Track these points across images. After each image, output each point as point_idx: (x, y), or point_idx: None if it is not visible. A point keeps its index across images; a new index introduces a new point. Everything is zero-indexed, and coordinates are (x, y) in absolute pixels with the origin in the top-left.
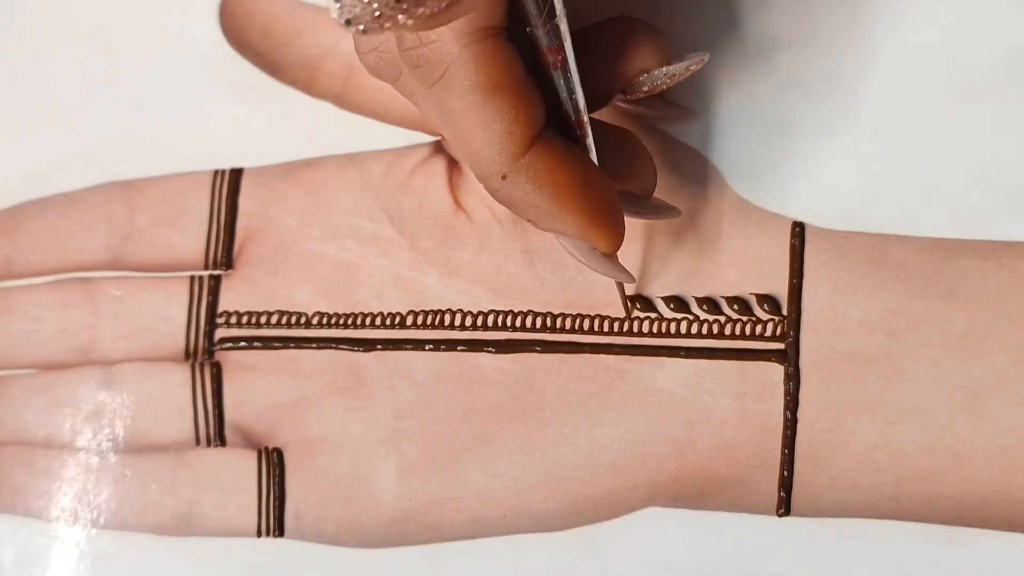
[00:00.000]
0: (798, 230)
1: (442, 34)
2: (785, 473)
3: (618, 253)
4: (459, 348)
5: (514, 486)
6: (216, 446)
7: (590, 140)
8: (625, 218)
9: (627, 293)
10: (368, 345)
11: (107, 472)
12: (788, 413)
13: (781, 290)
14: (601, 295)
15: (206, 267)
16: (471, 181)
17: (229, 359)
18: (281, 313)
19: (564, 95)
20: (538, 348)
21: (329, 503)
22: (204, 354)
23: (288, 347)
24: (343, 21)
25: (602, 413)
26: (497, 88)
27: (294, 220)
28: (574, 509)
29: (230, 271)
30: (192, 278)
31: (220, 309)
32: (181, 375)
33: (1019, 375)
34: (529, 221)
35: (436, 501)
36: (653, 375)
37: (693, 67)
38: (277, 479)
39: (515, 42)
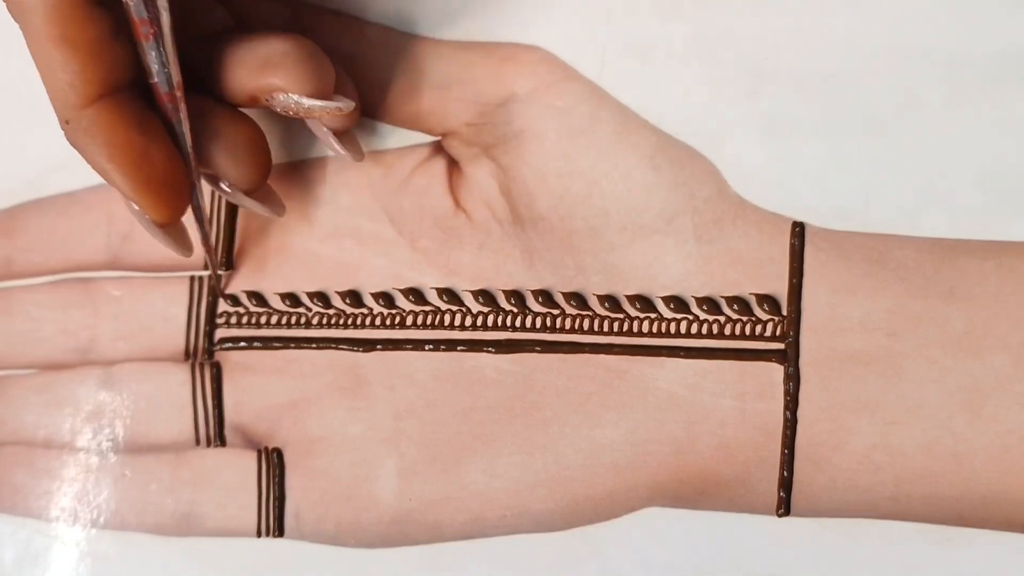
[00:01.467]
0: (798, 230)
1: None
2: (785, 473)
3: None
4: (459, 348)
5: (514, 486)
6: (216, 446)
7: (182, 116)
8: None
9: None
10: (368, 345)
11: (107, 472)
12: (788, 413)
13: (781, 290)
14: (600, 296)
15: (206, 267)
16: (471, 181)
17: (229, 359)
18: (281, 313)
19: (156, 67)
20: (538, 348)
21: (329, 503)
22: (204, 354)
23: (288, 347)
24: None
25: (602, 413)
26: (65, 41)
27: (294, 220)
28: (574, 509)
29: (230, 271)
30: (192, 278)
31: (220, 309)
32: (181, 375)
33: (1019, 375)
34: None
35: (436, 501)
36: (653, 375)
37: (330, 110)
38: (277, 479)
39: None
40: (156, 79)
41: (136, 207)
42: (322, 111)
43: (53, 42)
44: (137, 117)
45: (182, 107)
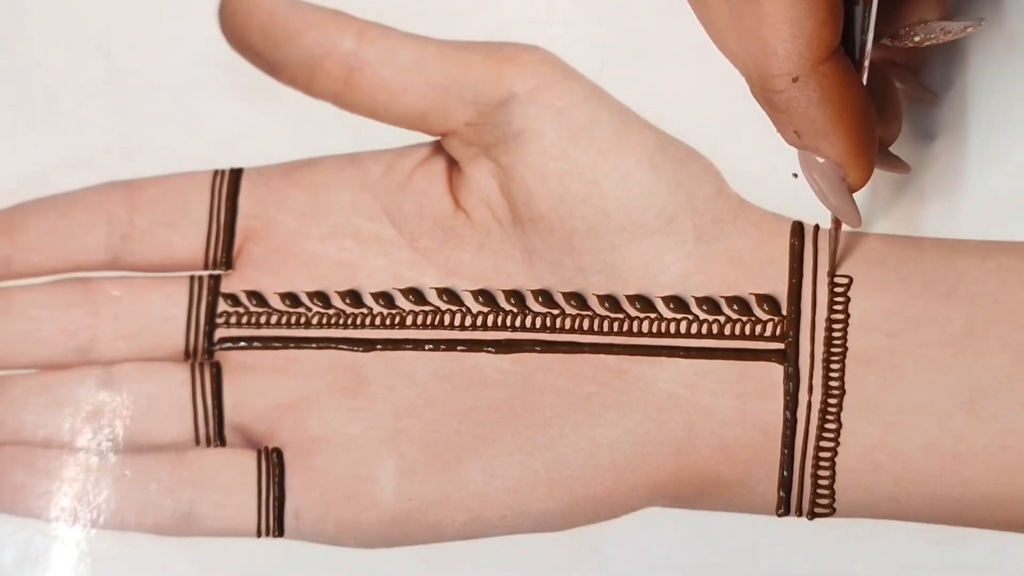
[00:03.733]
0: (798, 230)
1: None
2: (785, 473)
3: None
4: (459, 348)
5: (514, 486)
6: (216, 446)
7: (864, 81)
8: None
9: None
10: (368, 345)
11: (107, 472)
12: (788, 413)
13: (781, 290)
14: (600, 296)
15: (206, 267)
16: (471, 181)
17: (229, 359)
18: (281, 313)
19: (855, 31)
20: (538, 348)
21: (329, 503)
22: (204, 354)
23: (288, 347)
24: None
25: (602, 413)
26: None
27: (294, 220)
28: (574, 509)
29: (230, 271)
30: (192, 278)
31: (220, 309)
32: (181, 375)
33: (1019, 375)
34: (791, 133)
35: (436, 501)
36: (653, 375)
37: (969, 29)
38: (277, 479)
39: None
40: (850, 43)
41: (833, 170)
42: (964, 29)
43: None
44: (855, 73)
45: (864, 75)
